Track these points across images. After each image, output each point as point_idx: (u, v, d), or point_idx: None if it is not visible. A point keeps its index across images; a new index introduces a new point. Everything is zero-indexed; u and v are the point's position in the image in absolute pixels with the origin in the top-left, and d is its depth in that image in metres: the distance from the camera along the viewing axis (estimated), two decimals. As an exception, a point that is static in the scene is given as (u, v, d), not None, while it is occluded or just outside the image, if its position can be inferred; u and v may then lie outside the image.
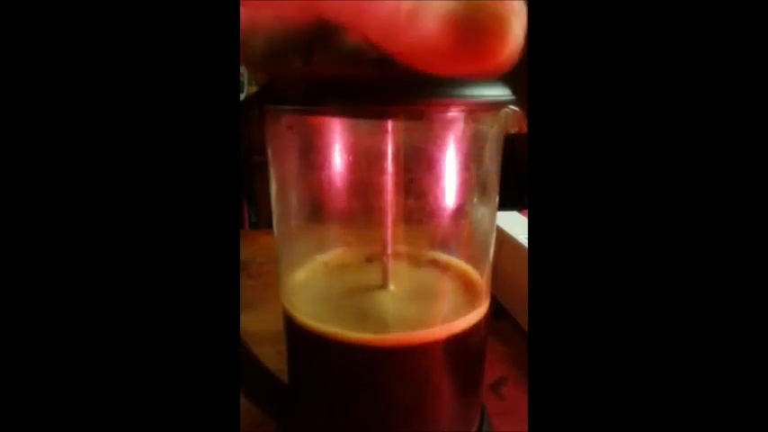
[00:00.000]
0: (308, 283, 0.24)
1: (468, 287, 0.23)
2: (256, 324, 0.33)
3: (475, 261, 0.23)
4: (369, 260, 0.24)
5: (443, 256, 0.24)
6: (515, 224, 0.41)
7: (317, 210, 0.22)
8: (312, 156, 0.21)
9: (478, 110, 0.19)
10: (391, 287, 0.23)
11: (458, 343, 0.21)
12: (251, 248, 0.57)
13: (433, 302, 0.24)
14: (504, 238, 0.39)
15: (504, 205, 0.23)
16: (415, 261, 0.24)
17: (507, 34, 0.13)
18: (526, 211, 0.44)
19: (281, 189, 0.22)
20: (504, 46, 0.13)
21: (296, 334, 0.22)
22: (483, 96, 0.18)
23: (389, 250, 0.22)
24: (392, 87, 0.15)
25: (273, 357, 0.30)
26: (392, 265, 0.23)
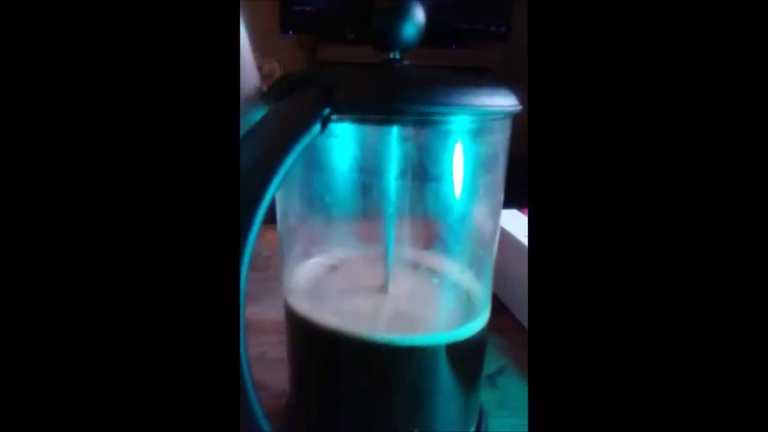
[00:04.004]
0: (310, 280, 0.24)
1: (468, 294, 0.23)
2: (261, 315, 0.35)
3: (476, 268, 0.24)
4: (371, 261, 0.24)
5: (445, 261, 0.24)
6: (514, 221, 0.42)
7: (321, 209, 0.23)
8: (320, 157, 0.21)
9: (487, 118, 0.20)
10: (392, 289, 0.23)
11: (457, 349, 0.21)
12: (256, 241, 0.58)
13: (432, 307, 0.24)
14: (502, 236, 0.40)
15: (504, 203, 0.24)
16: (417, 265, 0.24)
17: None
18: (525, 209, 0.45)
19: (287, 187, 0.22)
20: None
21: (296, 328, 0.22)
22: (492, 106, 0.18)
23: (392, 252, 0.22)
24: (399, 95, 0.16)
25: (276, 347, 0.33)
26: (394, 267, 0.23)
